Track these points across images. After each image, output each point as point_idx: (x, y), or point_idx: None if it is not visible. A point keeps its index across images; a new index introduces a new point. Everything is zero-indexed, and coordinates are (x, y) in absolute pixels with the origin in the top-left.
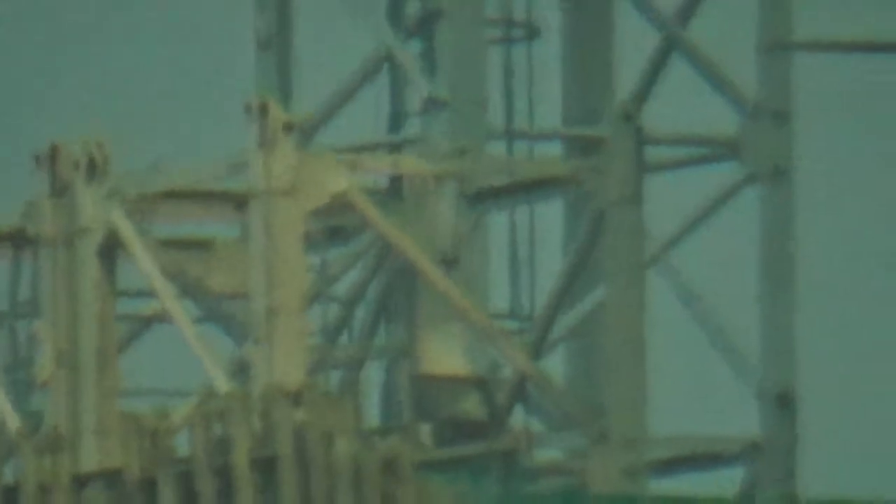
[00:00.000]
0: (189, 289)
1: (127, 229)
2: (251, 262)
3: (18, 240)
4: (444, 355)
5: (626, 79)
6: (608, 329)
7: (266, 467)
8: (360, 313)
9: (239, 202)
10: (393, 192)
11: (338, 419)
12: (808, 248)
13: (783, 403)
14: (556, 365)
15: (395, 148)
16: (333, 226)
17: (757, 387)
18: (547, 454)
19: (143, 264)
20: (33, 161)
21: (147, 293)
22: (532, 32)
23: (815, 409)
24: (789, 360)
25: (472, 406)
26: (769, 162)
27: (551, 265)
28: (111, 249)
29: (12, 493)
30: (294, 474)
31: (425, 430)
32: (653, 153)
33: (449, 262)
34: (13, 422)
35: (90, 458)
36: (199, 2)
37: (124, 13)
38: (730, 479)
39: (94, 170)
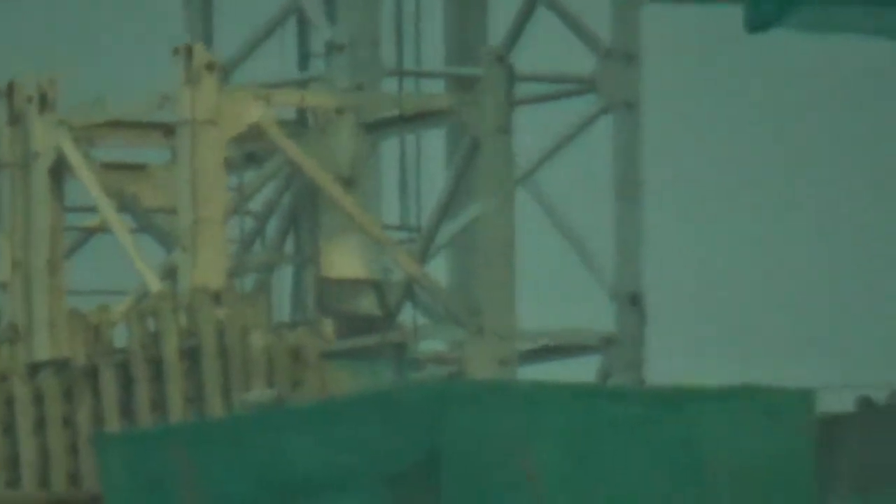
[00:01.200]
0: (126, 205)
1: (73, 154)
2: (179, 182)
3: None
4: (344, 261)
5: (499, 25)
6: (482, 239)
7: (192, 356)
8: (272, 226)
9: (168, 131)
10: (300, 123)
11: (253, 315)
12: (653, 170)
13: (633, 302)
14: (439, 270)
15: (301, 85)
16: (249, 151)
17: (611, 288)
18: (431, 346)
19: (87, 184)
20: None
21: (90, 209)
22: None
23: (660, 307)
24: (638, 266)
25: (368, 304)
26: (620, 96)
27: (434, 185)
28: (60, 171)
29: None
30: (216, 362)
31: (328, 325)
32: (521, 89)
33: (347, 182)
34: None
35: (42, 349)
36: None
37: None
38: (587, 367)
39: (45, 103)
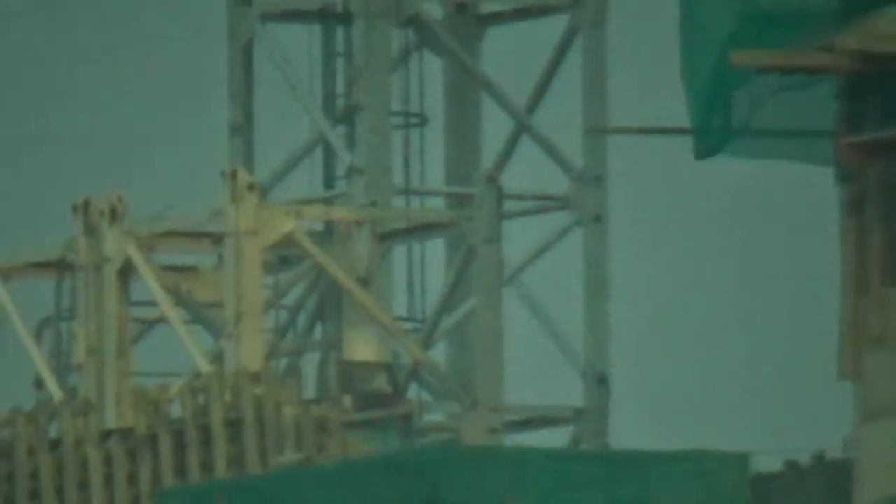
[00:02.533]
0: (181, 300)
1: (138, 258)
2: (225, 282)
3: (61, 265)
4: (362, 347)
5: (489, 152)
6: (475, 329)
7: (234, 426)
8: (302, 318)
9: (216, 239)
10: (325, 233)
11: (285, 392)
12: (618, 273)
13: (600, 381)
14: (439, 354)
15: (327, 201)
16: (283, 256)
17: (582, 370)
18: (433, 418)
19: (149, 283)
20: (72, 209)
21: (152, 303)
22: (423, 120)
23: (623, 387)
24: (605, 352)
25: (380, 383)
26: (590, 211)
27: (436, 284)
28: (126, 272)
29: (56, 444)
30: (254, 431)
31: (347, 401)
32: (508, 205)
33: (364, 282)
34: (57, 393)
35: (110, 420)
36: (183, 95)
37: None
38: (561, 435)
39: (114, 216)
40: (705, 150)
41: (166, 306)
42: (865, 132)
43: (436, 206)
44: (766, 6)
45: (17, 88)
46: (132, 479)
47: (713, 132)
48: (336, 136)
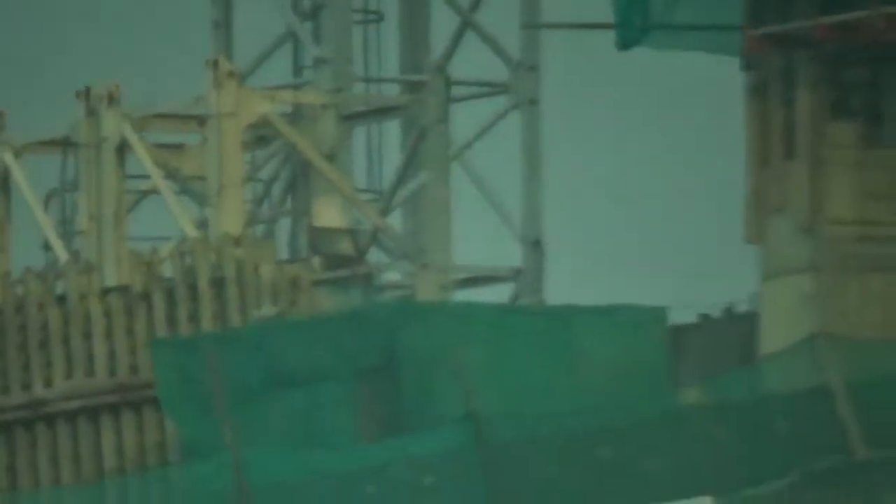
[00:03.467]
0: (170, 174)
1: (133, 137)
2: (209, 158)
3: (65, 144)
4: (328, 215)
5: (439, 45)
6: (427, 200)
7: (218, 284)
8: (276, 189)
9: (201, 121)
10: (296, 115)
11: (262, 255)
12: (552, 152)
13: (535, 245)
14: (396, 221)
15: (297, 88)
16: (259, 135)
17: (519, 235)
18: (390, 277)
19: (142, 159)
20: (75, 95)
21: (145, 177)
22: (380, 17)
23: (556, 249)
24: (539, 219)
25: (344, 246)
26: (526, 96)
27: (392, 160)
28: (122, 150)
29: (62, 299)
30: (235, 288)
31: (316, 262)
32: (455, 91)
33: (330, 158)
34: (63, 255)
35: (110, 278)
36: None
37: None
38: (502, 292)
39: (112, 101)
40: (626, 42)
41: (157, 179)
42: (768, 26)
43: (391, 93)
44: None
45: None
46: (129, 330)
47: (633, 27)
48: (304, 31)
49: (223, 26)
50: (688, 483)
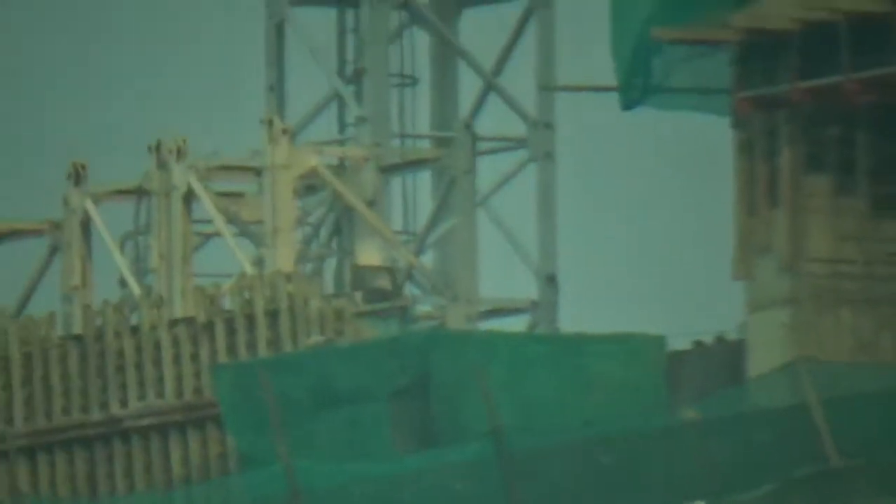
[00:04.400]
0: (231, 218)
1: (198, 187)
2: (264, 204)
3: (139, 192)
4: (369, 254)
5: (465, 104)
6: (455, 240)
7: (273, 316)
8: (323, 232)
9: (258, 172)
10: (340, 167)
11: (311, 289)
12: (564, 198)
13: (550, 280)
14: (428, 259)
15: (341, 143)
16: (308, 184)
17: (536, 271)
18: (423, 309)
19: (206, 205)
20: (147, 149)
21: (208, 221)
22: (414, 80)
23: (568, 284)
24: (554, 258)
25: (383, 282)
26: (542, 150)
27: (425, 206)
28: (189, 198)
29: (135, 329)
30: (287, 319)
31: (358, 296)
32: (480, 145)
33: (370, 204)
34: (136, 290)
35: (178, 311)
36: (229, 62)
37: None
38: (521, 321)
39: (180, 153)
40: (629, 104)
41: (219, 224)
42: (753, 90)
43: (424, 147)
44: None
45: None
46: (194, 356)
47: (635, 90)
48: (347, 93)
49: (276, 89)
50: (683, 488)
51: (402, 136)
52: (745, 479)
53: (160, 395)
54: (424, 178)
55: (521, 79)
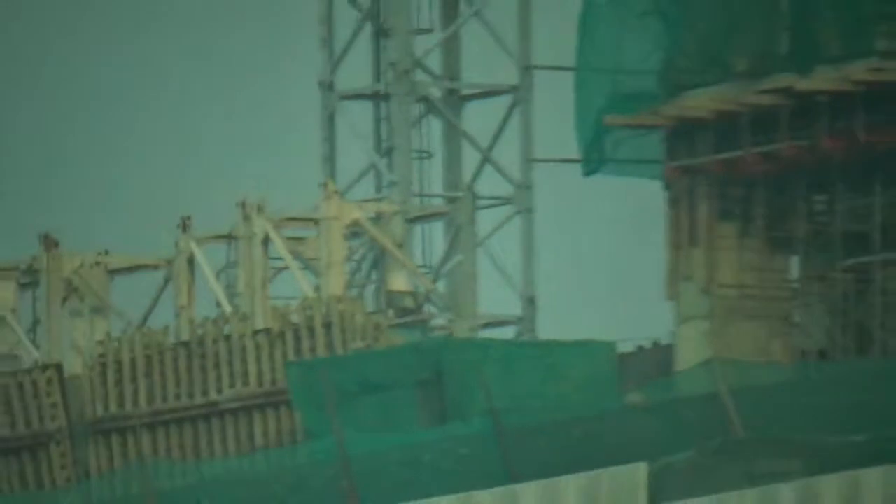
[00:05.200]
0: (297, 256)
1: (273, 233)
2: (321, 245)
3: (230, 237)
4: (398, 282)
5: (468, 172)
6: (461, 272)
7: (328, 327)
8: (365, 265)
9: (316, 221)
10: (377, 218)
11: (356, 308)
12: (541, 241)
13: (530, 301)
14: (441, 286)
15: (378, 200)
16: (354, 231)
17: (520, 294)
18: (438, 322)
19: (278, 246)
20: (236, 205)
21: (280, 258)
22: (430, 154)
23: (544, 304)
24: (533, 284)
25: (408, 302)
26: (525, 205)
27: (439, 247)
28: (266, 241)
29: (228, 337)
30: (339, 330)
31: (391, 313)
32: (479, 202)
33: (399, 245)
34: (228, 309)
35: (259, 324)
36: (295, 142)
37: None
38: (509, 332)
39: (259, 209)
40: (588, 171)
41: (288, 260)
42: (679, 161)
43: (437, 203)
44: (622, 91)
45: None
46: (271, 357)
47: (593, 161)
48: (382, 163)
49: (329, 160)
50: (631, 454)
51: (421, 195)
52: (675, 446)
53: (246, 385)
54: (438, 227)
55: (508, 153)
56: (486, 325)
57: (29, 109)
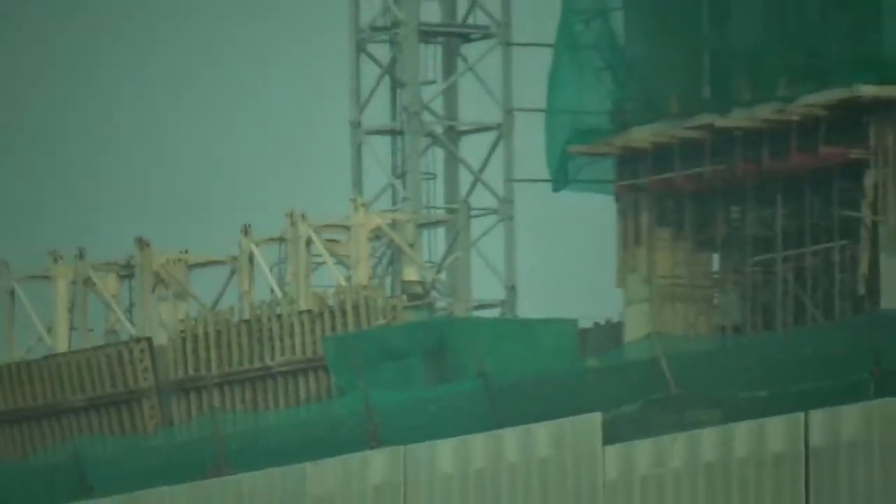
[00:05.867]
0: (332, 253)
1: (314, 236)
2: (351, 246)
3: (281, 240)
4: (410, 273)
5: (465, 188)
6: (458, 266)
7: (356, 308)
8: (383, 262)
9: (348, 227)
10: (393, 224)
11: (378, 294)
12: (521, 243)
13: (511, 290)
14: (443, 276)
15: (394, 211)
16: (376, 235)
17: (504, 283)
18: (441, 305)
19: (319, 247)
20: (285, 214)
21: (319, 255)
22: (433, 175)
23: (523, 291)
24: (514, 275)
25: (418, 289)
26: (507, 215)
27: (441, 246)
28: (309, 243)
29: (280, 316)
30: (364, 311)
31: (404, 297)
32: (473, 213)
33: (411, 245)
34: (279, 294)
35: (302, 306)
36: (330, 164)
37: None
38: (495, 312)
39: (304, 217)
40: (557, 188)
41: (326, 257)
42: (626, 180)
43: (440, 213)
44: (582, 127)
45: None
46: (312, 331)
47: (560, 180)
48: (398, 183)
49: (357, 183)
50: (589, 406)
51: (428, 207)
52: (622, 400)
53: (293, 353)
54: (440, 232)
55: (494, 175)
56: (478, 307)
57: (122, 143)
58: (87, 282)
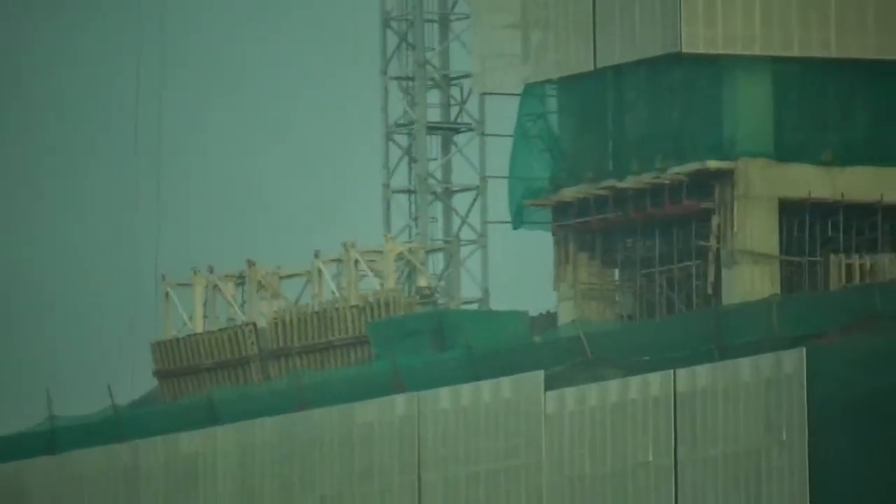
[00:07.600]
0: (371, 269)
1: (359, 257)
2: (383, 263)
3: (339, 260)
4: (421, 281)
5: (454, 227)
6: (452, 277)
7: (387, 303)
8: (404, 274)
9: (381, 252)
10: (411, 251)
11: (400, 294)
12: (494, 263)
13: (486, 291)
14: (442, 283)
15: (411, 241)
16: (399, 256)
17: (481, 287)
18: (441, 301)
19: (361, 264)
20: (341, 245)
21: (363, 270)
22: (435, 220)
23: (495, 291)
24: (488, 281)
25: (426, 292)
26: (483, 244)
27: (440, 265)
28: (356, 262)
29: (337, 309)
30: (393, 307)
31: (417, 297)
32: (462, 244)
33: (421, 263)
34: (337, 295)
35: (352, 302)
36: (365, 206)
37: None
38: (475, 306)
39: (353, 245)
40: (516, 226)
41: (367, 271)
42: (561, 222)
43: (440, 243)
44: (532, 187)
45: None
46: (359, 319)
47: (518, 221)
48: (413, 224)
49: (387, 223)
50: (535, 367)
51: (432, 239)
52: (557, 363)
53: (347, 333)
54: (440, 256)
55: (475, 218)
56: (464, 303)
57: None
58: (215, 287)
